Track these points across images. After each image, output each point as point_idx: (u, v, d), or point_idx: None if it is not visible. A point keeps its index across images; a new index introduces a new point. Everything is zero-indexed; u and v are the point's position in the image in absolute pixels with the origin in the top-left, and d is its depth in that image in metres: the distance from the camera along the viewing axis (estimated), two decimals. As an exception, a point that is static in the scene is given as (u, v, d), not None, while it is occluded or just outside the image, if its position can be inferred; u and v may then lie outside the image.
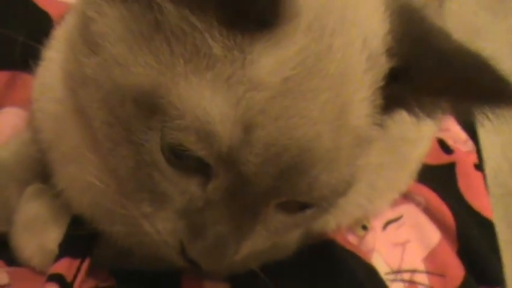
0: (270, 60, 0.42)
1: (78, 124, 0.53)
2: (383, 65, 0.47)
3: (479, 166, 1.00)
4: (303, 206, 0.49)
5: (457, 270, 0.85)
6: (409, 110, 0.50)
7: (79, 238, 0.64)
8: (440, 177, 0.95)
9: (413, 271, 0.84)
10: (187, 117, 0.42)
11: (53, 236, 0.66)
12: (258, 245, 0.51)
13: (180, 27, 0.43)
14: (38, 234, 0.67)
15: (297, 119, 0.43)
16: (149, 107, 0.43)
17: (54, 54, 0.64)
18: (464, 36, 0.48)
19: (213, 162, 0.44)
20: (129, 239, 0.60)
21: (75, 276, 0.62)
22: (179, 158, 0.44)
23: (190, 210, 0.47)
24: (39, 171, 0.71)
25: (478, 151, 1.03)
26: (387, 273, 0.83)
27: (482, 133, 1.30)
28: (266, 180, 0.44)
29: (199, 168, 0.45)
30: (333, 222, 0.79)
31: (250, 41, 0.42)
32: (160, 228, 0.49)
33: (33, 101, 0.69)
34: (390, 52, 0.47)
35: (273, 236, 0.51)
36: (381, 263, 0.83)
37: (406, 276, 0.83)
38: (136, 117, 0.44)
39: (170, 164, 0.45)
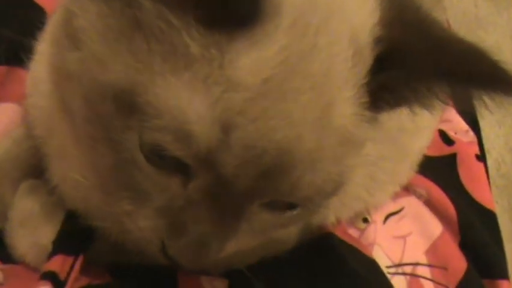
0: (250, 60, 0.41)
1: (64, 119, 0.53)
2: (369, 56, 0.46)
3: (481, 157, 0.98)
4: (290, 206, 0.49)
5: (459, 262, 0.84)
6: (403, 100, 0.48)
7: (73, 235, 0.64)
8: (441, 169, 0.93)
9: (415, 264, 0.83)
10: (165, 117, 0.41)
11: (47, 232, 0.65)
12: (243, 243, 0.50)
13: (158, 25, 0.42)
14: (33, 230, 0.66)
15: (277, 121, 0.42)
16: (127, 105, 0.42)
17: (45, 48, 0.63)
18: (465, 27, 0.47)
19: (192, 162, 0.43)
20: (123, 235, 0.59)
21: (68, 274, 0.61)
22: (159, 157, 0.44)
23: (171, 209, 0.46)
24: (33, 167, 0.70)
25: (480, 141, 1.01)
26: (389, 267, 0.81)
27: (485, 124, 1.29)
28: (246, 182, 0.43)
29: (179, 167, 0.44)
30: (333, 216, 0.78)
31: (229, 40, 0.41)
32: (141, 226, 0.48)
33: (27, 96, 0.69)
34: (377, 40, 0.46)
35: (259, 234, 0.51)
36: (382, 256, 0.81)
37: (408, 269, 0.82)
38: (114, 115, 0.43)
39: (150, 163, 0.45)
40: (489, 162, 1.21)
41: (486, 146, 1.10)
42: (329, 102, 0.44)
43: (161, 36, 0.42)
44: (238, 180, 0.43)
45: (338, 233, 0.80)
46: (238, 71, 0.41)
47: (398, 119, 0.72)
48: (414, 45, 0.44)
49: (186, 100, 0.41)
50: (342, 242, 0.79)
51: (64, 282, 0.60)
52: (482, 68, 0.43)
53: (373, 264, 0.79)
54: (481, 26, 1.60)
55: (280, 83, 0.42)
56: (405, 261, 0.83)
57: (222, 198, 0.45)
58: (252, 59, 0.41)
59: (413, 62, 0.45)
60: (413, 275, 0.82)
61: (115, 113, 0.43)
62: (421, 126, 0.81)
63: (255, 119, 0.41)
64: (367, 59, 0.46)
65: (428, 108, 0.48)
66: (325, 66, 0.44)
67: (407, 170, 0.86)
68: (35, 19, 0.70)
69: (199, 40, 0.41)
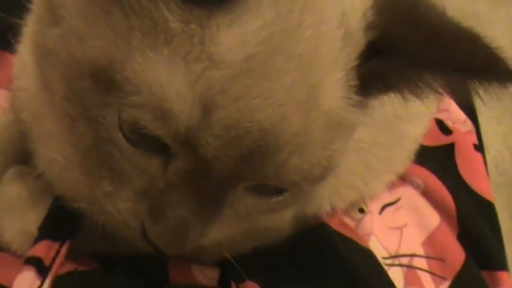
0: (231, 36, 0.40)
1: (47, 99, 0.51)
2: (361, 40, 0.44)
3: (479, 147, 0.97)
4: (277, 190, 0.47)
5: (457, 254, 0.82)
6: (394, 88, 0.47)
7: (60, 221, 0.62)
8: (439, 159, 0.92)
9: (412, 255, 0.81)
10: (144, 93, 0.40)
11: (34, 218, 0.64)
12: (228, 229, 0.49)
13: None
14: (19, 216, 0.65)
15: (259, 101, 0.40)
16: (105, 82, 0.41)
17: (31, 28, 0.62)
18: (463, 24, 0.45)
19: (171, 142, 0.42)
20: (107, 220, 0.58)
21: (54, 260, 0.59)
22: (138, 136, 0.42)
23: (151, 192, 0.45)
24: (21, 153, 0.69)
25: (477, 131, 1.00)
26: (385, 258, 0.80)
27: (484, 122, 1.27)
28: (227, 164, 0.42)
29: (159, 148, 0.43)
30: (327, 205, 0.76)
31: (210, 15, 0.40)
32: (121, 208, 0.47)
33: (14, 79, 0.67)
34: (369, 26, 0.44)
35: (245, 220, 0.49)
36: (379, 247, 0.80)
37: (404, 260, 0.80)
38: (92, 92, 0.42)
39: (130, 143, 0.43)
40: (488, 159, 1.19)
41: (484, 143, 1.08)
42: (315, 84, 0.43)
43: (141, 10, 0.40)
44: (218, 162, 0.42)
45: (333, 224, 0.78)
46: (219, 47, 0.39)
47: (393, 105, 0.71)
48: (407, 33, 0.43)
49: (166, 77, 0.39)
50: (337, 233, 0.77)
51: (49, 268, 0.59)
52: (477, 57, 0.42)
53: (369, 255, 0.77)
54: (478, 23, 1.58)
55: (264, 61, 0.40)
56: (401, 252, 0.81)
57: (203, 181, 0.43)
58: (233, 36, 0.40)
59: (405, 51, 0.43)
60: (409, 267, 0.80)
61: (92, 90, 0.42)
62: (417, 112, 0.80)
63: (236, 98, 0.40)
64: (358, 42, 0.44)
65: (420, 98, 0.46)
66: (311, 46, 0.42)
67: (403, 158, 0.84)
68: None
69: (178, 14, 0.40)
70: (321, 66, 0.43)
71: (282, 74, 0.41)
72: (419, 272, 0.80)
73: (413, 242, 0.82)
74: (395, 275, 0.78)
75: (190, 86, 0.39)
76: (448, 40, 0.42)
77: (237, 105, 0.40)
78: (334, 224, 0.77)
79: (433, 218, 0.85)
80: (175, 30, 0.40)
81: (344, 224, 0.80)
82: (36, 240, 0.61)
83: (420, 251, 0.82)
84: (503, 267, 0.84)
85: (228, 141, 0.41)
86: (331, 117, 0.44)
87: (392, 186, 0.86)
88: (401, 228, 0.83)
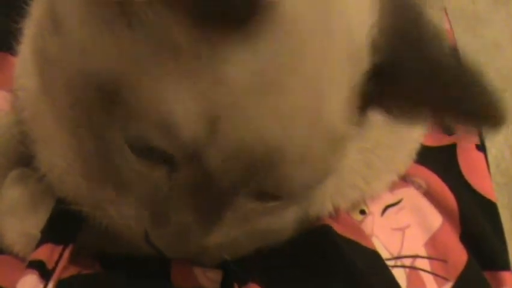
0: (239, 55, 0.40)
1: (48, 102, 0.52)
2: (365, 60, 0.44)
3: (481, 147, 0.97)
4: (276, 196, 0.48)
5: (459, 255, 0.82)
6: (388, 112, 0.48)
7: (62, 223, 0.62)
8: (441, 159, 0.92)
9: (414, 257, 0.81)
10: (148, 109, 0.40)
11: (35, 221, 0.64)
12: (228, 233, 0.50)
13: (144, 14, 0.40)
14: (21, 219, 0.65)
15: (265, 117, 0.41)
16: (109, 95, 0.41)
17: (32, 30, 0.61)
18: (463, 24, 0.45)
19: (177, 155, 0.42)
20: (110, 223, 0.58)
21: (57, 263, 0.59)
22: (143, 147, 0.43)
23: (155, 199, 0.46)
24: (22, 155, 0.69)
25: (480, 132, 0.99)
26: (387, 259, 0.79)
27: (485, 121, 1.27)
28: (231, 177, 0.42)
29: (163, 157, 0.43)
30: (330, 205, 0.76)
31: (219, 34, 0.39)
32: (125, 213, 0.48)
33: (16, 78, 0.67)
34: (374, 46, 0.44)
35: (244, 223, 0.50)
36: (381, 249, 0.79)
37: (407, 262, 0.80)
38: (96, 104, 0.42)
39: (134, 152, 0.43)
40: (488, 158, 1.19)
41: (485, 143, 1.08)
42: (320, 101, 0.43)
43: (147, 25, 0.40)
44: (222, 175, 0.42)
45: (336, 226, 0.77)
46: (227, 65, 0.39)
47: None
48: (405, 62, 0.43)
49: (171, 92, 0.39)
50: (339, 235, 0.77)
51: (52, 272, 0.59)
52: (472, 105, 0.43)
53: (374, 256, 0.77)
54: (479, 23, 1.59)
55: (270, 79, 0.40)
56: (404, 253, 0.81)
57: (206, 190, 0.44)
58: (241, 54, 0.40)
59: (407, 89, 0.44)
60: (412, 268, 0.80)
61: (96, 102, 0.42)
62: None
63: (242, 114, 0.40)
64: (363, 61, 0.44)
65: (410, 124, 0.48)
66: (318, 64, 0.42)
67: (404, 157, 0.84)
68: (24, 1, 0.68)
69: (187, 32, 0.39)
70: (326, 83, 0.43)
71: (287, 92, 0.41)
72: (422, 273, 0.80)
73: (415, 243, 0.82)
74: (398, 276, 0.77)
75: (196, 102, 0.39)
76: (446, 80, 0.43)
77: (243, 121, 0.40)
78: (337, 228, 0.77)
79: (435, 219, 0.85)
80: (183, 47, 0.39)
81: (347, 225, 0.80)
82: (39, 243, 0.61)
83: (422, 252, 0.82)
84: (506, 267, 0.84)
85: (233, 156, 0.41)
86: (333, 133, 0.45)
87: (394, 187, 0.85)
88: (403, 229, 0.83)
